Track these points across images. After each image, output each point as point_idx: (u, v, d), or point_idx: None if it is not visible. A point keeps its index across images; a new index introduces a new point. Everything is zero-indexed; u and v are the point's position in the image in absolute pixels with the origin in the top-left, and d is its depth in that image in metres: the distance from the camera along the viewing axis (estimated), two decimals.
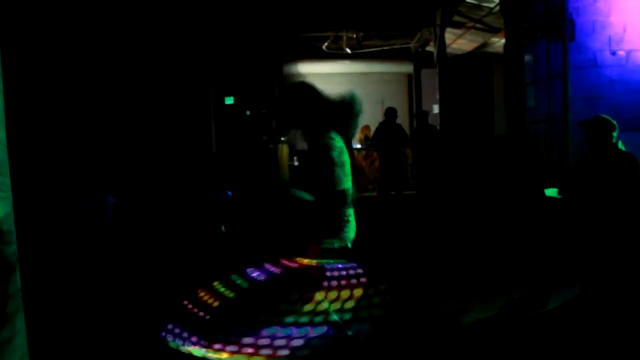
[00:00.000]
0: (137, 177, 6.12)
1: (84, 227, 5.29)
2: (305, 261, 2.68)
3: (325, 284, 2.39)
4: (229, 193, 8.48)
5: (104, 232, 5.39)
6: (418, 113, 11.78)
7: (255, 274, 2.56)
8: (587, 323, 3.66)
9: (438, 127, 10.38)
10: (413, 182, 10.61)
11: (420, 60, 12.30)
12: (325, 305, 2.28)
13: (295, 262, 2.64)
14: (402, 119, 11.87)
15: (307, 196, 2.79)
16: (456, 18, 9.51)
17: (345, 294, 2.34)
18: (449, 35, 10.33)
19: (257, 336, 2.17)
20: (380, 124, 9.38)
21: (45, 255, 4.80)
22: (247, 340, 2.17)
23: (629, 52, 5.60)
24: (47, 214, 5.11)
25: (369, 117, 12.60)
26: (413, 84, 12.88)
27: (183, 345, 2.22)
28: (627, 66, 5.60)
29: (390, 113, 9.22)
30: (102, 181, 5.72)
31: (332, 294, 2.33)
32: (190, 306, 2.44)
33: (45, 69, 5.76)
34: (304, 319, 2.25)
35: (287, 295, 2.33)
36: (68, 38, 5.90)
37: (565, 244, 3.99)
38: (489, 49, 11.11)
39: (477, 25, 9.84)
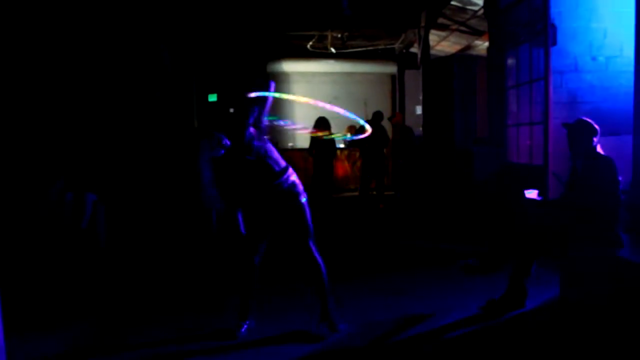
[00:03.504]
0: (119, 174, 6.05)
1: (60, 222, 5.21)
2: None
3: None
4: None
5: (80, 229, 5.31)
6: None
7: None
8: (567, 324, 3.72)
9: (420, 128, 10.49)
10: (391, 183, 10.71)
11: (404, 61, 12.38)
12: None
13: None
14: (385, 120, 11.91)
15: None
16: (441, 20, 9.59)
17: None
18: (433, 37, 10.41)
19: None
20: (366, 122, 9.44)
21: (20, 251, 4.72)
22: None
23: (608, 58, 5.69)
24: (24, 209, 5.03)
25: None
26: (397, 85, 12.94)
27: None
28: (607, 72, 5.70)
29: (377, 117, 9.37)
30: (83, 178, 5.63)
31: None
32: None
33: (29, 66, 5.67)
34: None
35: None
36: (50, 36, 5.81)
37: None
38: (473, 52, 11.22)
39: (461, 27, 9.93)
